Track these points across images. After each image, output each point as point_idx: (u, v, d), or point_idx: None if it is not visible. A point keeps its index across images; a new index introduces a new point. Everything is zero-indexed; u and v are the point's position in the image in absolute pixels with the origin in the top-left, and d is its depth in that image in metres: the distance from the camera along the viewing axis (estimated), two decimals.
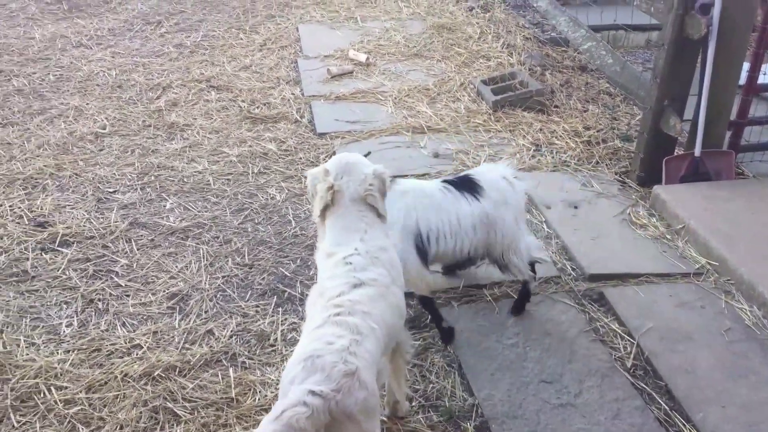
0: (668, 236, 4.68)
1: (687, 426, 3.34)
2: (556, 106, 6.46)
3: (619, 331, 3.92)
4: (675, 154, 5.23)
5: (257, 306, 4.14)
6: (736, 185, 5.03)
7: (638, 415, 3.39)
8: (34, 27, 8.11)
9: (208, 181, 5.34)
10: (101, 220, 4.85)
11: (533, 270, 4.02)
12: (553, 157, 5.65)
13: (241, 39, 7.95)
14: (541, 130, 6.06)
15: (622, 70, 7.00)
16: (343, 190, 2.97)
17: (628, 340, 3.85)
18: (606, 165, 5.58)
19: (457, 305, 4.14)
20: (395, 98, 6.60)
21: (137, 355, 3.76)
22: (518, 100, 6.42)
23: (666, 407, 3.45)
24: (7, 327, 3.91)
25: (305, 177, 3.14)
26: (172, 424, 3.36)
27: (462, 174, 4.02)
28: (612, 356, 3.77)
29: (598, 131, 6.01)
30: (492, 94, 6.47)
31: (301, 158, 5.67)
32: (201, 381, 3.61)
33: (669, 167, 5.06)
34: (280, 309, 4.12)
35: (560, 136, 5.93)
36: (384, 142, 5.90)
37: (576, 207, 5.03)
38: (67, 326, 3.94)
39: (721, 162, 5.08)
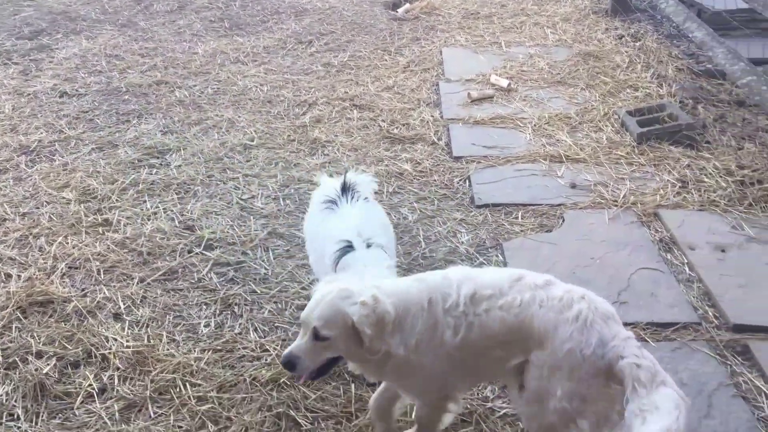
0: None
1: None
2: (707, 142, 6.11)
3: (764, 389, 3.63)
4: None
5: None
6: None
7: None
8: (198, 43, 8.73)
9: None
10: (243, 227, 5.12)
11: None
12: (701, 196, 5.34)
13: (386, 60, 8.15)
14: (689, 166, 5.75)
15: None
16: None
17: None
18: (761, 208, 5.20)
19: None
20: (535, 125, 6.51)
21: (266, 360, 3.92)
22: (666, 134, 6.13)
23: None
24: (153, 322, 4.20)
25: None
26: None
27: None
28: (755, 415, 3.49)
29: (753, 171, 5.61)
30: (638, 126, 6.22)
31: (435, 180, 5.72)
32: (323, 393, 3.71)
33: None
34: None
35: (710, 174, 5.60)
36: (520, 169, 5.83)
37: (723, 251, 4.72)
38: (205, 326, 4.19)
39: None
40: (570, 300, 2.85)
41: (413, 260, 4.78)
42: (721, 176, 5.55)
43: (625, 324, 4.09)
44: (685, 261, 4.66)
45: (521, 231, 5.08)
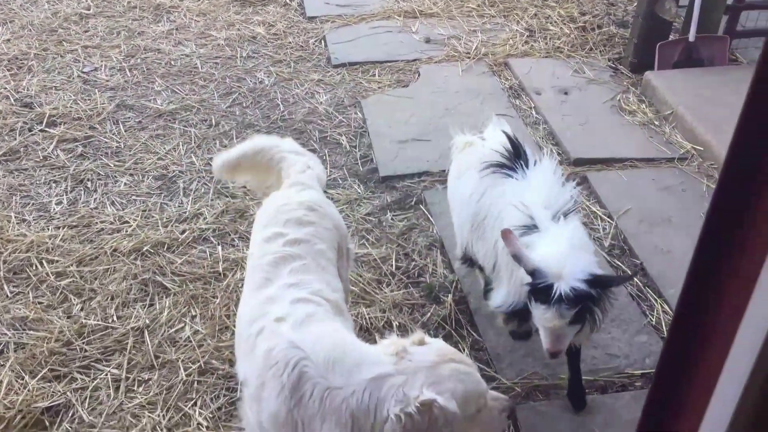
0: (656, 122, 4.67)
1: (659, 301, 3.46)
2: None
3: (600, 213, 3.99)
4: (669, 39, 5.13)
5: (244, 187, 4.18)
6: (728, 71, 4.97)
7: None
8: None
9: (196, 64, 5.27)
10: (88, 102, 4.82)
11: None
12: (546, 44, 5.55)
13: None
14: (536, 15, 5.93)
15: None
16: None
17: (608, 222, 3.93)
18: (600, 51, 5.49)
19: (441, 187, 4.18)
20: None
21: (126, 232, 3.84)
22: None
23: (640, 284, 3.56)
24: None
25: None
26: (162, 296, 3.48)
27: None
28: (592, 237, 3.84)
29: (593, 17, 5.87)
30: None
31: (290, 42, 5.57)
32: (189, 257, 3.71)
33: (662, 53, 4.98)
34: None
35: (555, 22, 5.81)
36: (375, 27, 5.78)
37: (566, 93, 5.00)
38: (56, 204, 4.01)
39: (714, 48, 5.00)
40: None
41: (272, 123, 4.73)
42: (564, 23, 5.77)
43: None
44: (532, 105, 4.91)
45: (379, 88, 5.11)
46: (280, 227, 2.55)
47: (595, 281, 2.48)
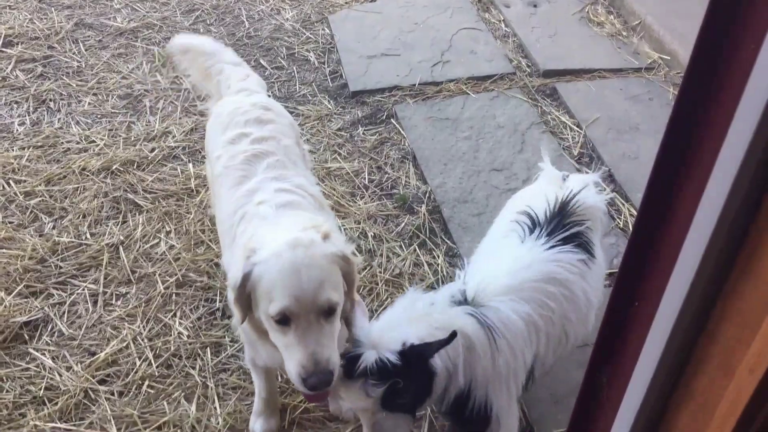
0: (624, 33, 4.68)
1: (626, 205, 3.54)
2: None
3: (569, 123, 4.03)
4: None
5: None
6: None
7: None
8: None
9: None
10: (45, 20, 4.65)
11: None
12: None
13: None
14: None
15: None
16: None
17: (577, 131, 3.97)
18: None
19: (412, 101, 4.17)
20: None
21: (94, 151, 3.77)
22: None
23: (607, 189, 3.63)
24: None
25: None
26: (134, 213, 3.46)
27: None
28: (560, 146, 3.90)
29: None
30: None
31: None
32: (160, 174, 3.67)
33: None
34: None
35: None
36: None
37: (535, 5, 4.96)
38: (19, 125, 3.91)
39: None
40: None
41: (238, 41, 4.62)
42: None
43: (448, 81, 4.32)
44: (502, 18, 4.86)
45: (346, 3, 5.01)
46: (242, 128, 2.54)
47: (409, 352, 1.95)
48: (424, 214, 3.49)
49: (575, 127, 3.99)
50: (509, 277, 2.23)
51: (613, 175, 3.69)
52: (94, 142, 3.82)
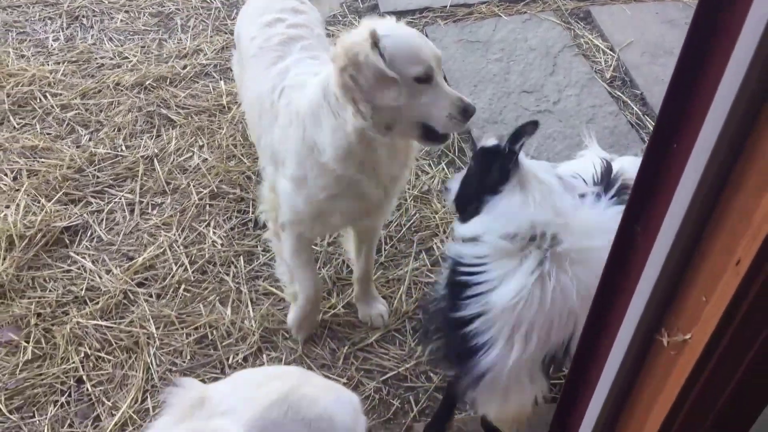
0: None
1: None
2: None
3: (602, 46, 3.97)
4: None
5: None
6: None
7: (612, 119, 3.57)
8: None
9: None
10: None
11: None
12: None
13: None
14: None
15: None
16: None
17: (610, 54, 3.92)
18: None
19: (443, 23, 4.13)
20: None
21: (127, 67, 3.82)
22: None
23: (639, 112, 3.61)
24: None
25: None
26: (168, 128, 3.51)
27: None
28: (593, 69, 3.86)
29: None
30: None
31: None
32: (192, 91, 3.71)
33: None
34: None
35: None
36: None
37: None
38: (54, 40, 3.95)
39: None
40: None
41: None
42: None
43: (480, 2, 4.26)
44: None
45: None
46: (277, 14, 2.58)
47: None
48: (453, 134, 3.50)
49: (608, 51, 3.94)
50: None
51: (645, 98, 3.66)
52: (127, 58, 3.86)
